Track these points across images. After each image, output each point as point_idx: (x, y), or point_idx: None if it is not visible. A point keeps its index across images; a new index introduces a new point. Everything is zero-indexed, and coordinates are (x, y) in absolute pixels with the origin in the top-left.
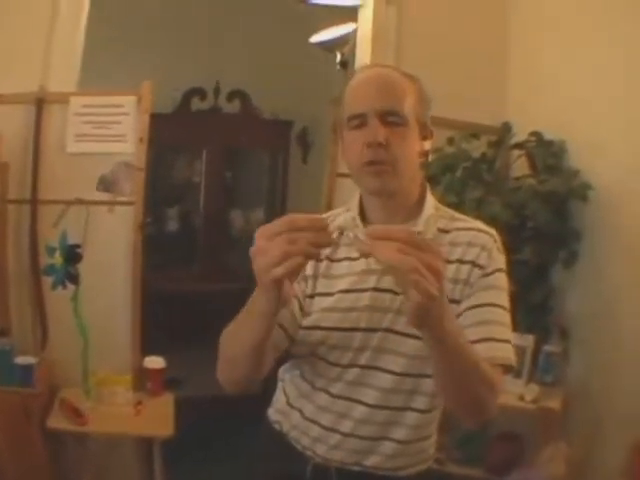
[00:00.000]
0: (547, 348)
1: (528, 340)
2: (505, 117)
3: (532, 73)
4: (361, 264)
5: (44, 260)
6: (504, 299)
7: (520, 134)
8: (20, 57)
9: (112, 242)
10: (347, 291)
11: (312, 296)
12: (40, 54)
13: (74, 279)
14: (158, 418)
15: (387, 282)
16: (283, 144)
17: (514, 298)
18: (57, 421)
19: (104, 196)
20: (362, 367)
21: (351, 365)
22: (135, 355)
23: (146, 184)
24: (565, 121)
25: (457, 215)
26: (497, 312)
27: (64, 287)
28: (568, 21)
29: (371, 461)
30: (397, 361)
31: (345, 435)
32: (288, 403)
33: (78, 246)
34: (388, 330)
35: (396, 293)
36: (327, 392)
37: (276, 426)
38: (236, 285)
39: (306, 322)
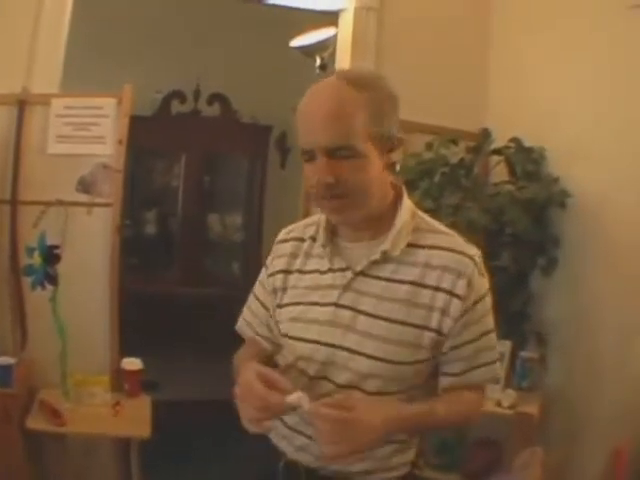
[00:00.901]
0: (524, 354)
1: (505, 346)
2: (484, 123)
3: (512, 79)
4: (328, 278)
5: (24, 260)
6: (489, 322)
7: (499, 140)
8: (3, 58)
9: (91, 243)
10: (313, 304)
11: (281, 306)
12: (23, 55)
13: (53, 280)
14: (136, 419)
15: (348, 299)
16: (262, 149)
17: (494, 304)
18: (36, 422)
19: (83, 197)
20: (317, 378)
21: (317, 377)
22: (113, 356)
23: (124, 186)
24: (545, 128)
25: (437, 227)
26: (484, 340)
27: (43, 288)
28: (550, 27)
29: (334, 466)
30: (347, 376)
31: (308, 438)
32: None
33: (57, 247)
34: (343, 348)
35: (357, 311)
36: None
37: None
38: (213, 290)
39: (282, 330)
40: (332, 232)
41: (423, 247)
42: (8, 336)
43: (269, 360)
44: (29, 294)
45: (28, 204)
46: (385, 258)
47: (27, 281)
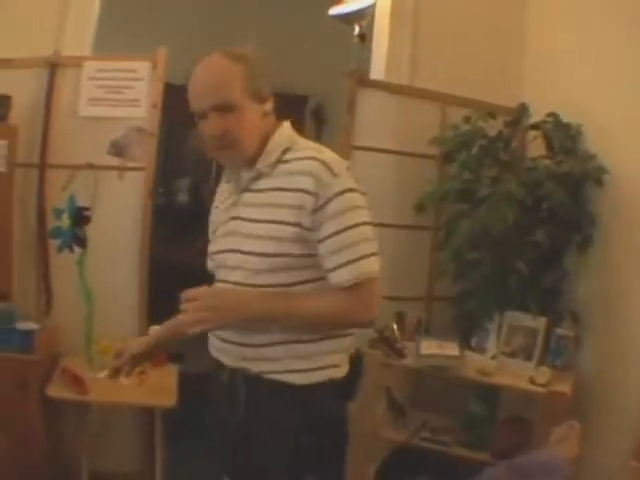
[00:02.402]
0: (559, 331)
1: (540, 322)
2: (522, 98)
3: (550, 55)
4: (232, 199)
5: (51, 224)
6: (351, 219)
7: (537, 115)
8: (35, 22)
9: (122, 208)
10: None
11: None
12: (55, 18)
13: (81, 242)
14: (161, 388)
15: (238, 211)
16: (297, 119)
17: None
18: (57, 389)
19: (115, 161)
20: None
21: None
22: (140, 324)
23: (158, 151)
24: (582, 105)
25: (307, 145)
26: (350, 234)
27: (71, 250)
28: (587, 2)
29: (257, 368)
30: (244, 275)
31: (223, 341)
32: None
33: (87, 209)
34: (235, 250)
35: (241, 219)
36: None
37: None
38: None
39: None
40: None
41: (289, 161)
42: (32, 301)
43: None
44: (55, 258)
45: (57, 167)
46: (259, 174)
47: (54, 244)
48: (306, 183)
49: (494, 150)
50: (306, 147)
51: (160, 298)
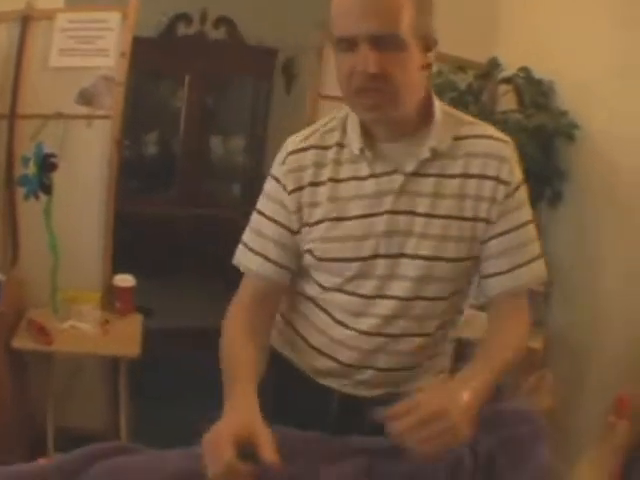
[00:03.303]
0: None
1: None
2: (494, 52)
3: (523, 9)
4: (371, 184)
5: (19, 173)
6: (528, 212)
7: (509, 70)
8: None
9: (88, 156)
10: (360, 216)
11: (312, 224)
12: None
13: (47, 189)
14: (125, 338)
15: (404, 203)
16: (267, 72)
17: None
18: (22, 341)
19: (83, 110)
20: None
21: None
22: (105, 273)
23: (126, 101)
24: (554, 61)
25: (467, 118)
26: (526, 231)
27: (36, 198)
28: None
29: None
30: (407, 286)
31: (335, 361)
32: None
33: (53, 155)
34: (404, 255)
35: (415, 214)
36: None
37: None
38: (213, 211)
39: (317, 252)
40: (366, 136)
41: (463, 138)
42: None
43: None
44: (22, 207)
45: (27, 118)
46: (434, 155)
47: (21, 193)
48: (498, 169)
49: (464, 103)
50: (468, 120)
51: (126, 251)
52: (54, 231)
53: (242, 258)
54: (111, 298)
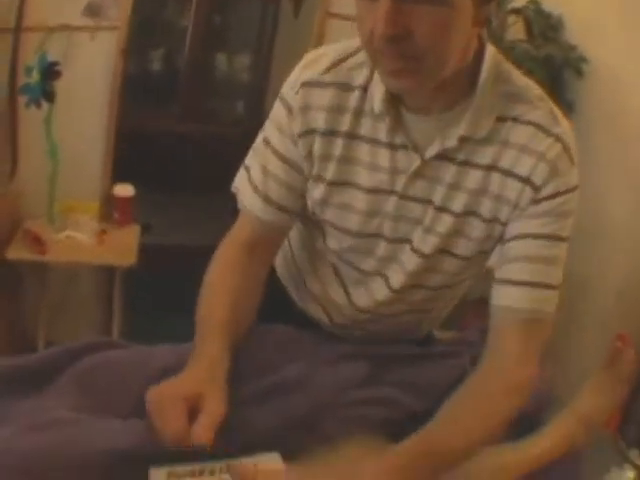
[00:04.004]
0: None
1: None
2: None
3: None
4: (387, 156)
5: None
6: (566, 229)
7: (518, 2)
8: None
9: (93, 67)
10: (371, 190)
11: (319, 180)
12: None
13: (49, 96)
14: (122, 248)
15: (418, 189)
16: None
17: None
18: (17, 252)
19: (89, 21)
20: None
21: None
22: (104, 183)
23: (132, 11)
24: None
25: (525, 93)
26: (555, 248)
27: (38, 106)
28: None
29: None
30: (403, 277)
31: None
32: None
33: (57, 63)
34: (407, 242)
35: (427, 203)
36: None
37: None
38: (215, 128)
39: (316, 211)
40: (391, 96)
41: (506, 120)
42: None
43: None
44: (23, 116)
45: (32, 30)
46: (467, 138)
47: (22, 103)
48: (532, 168)
49: None
50: (528, 97)
51: (125, 166)
52: (54, 138)
53: (241, 190)
54: (110, 209)
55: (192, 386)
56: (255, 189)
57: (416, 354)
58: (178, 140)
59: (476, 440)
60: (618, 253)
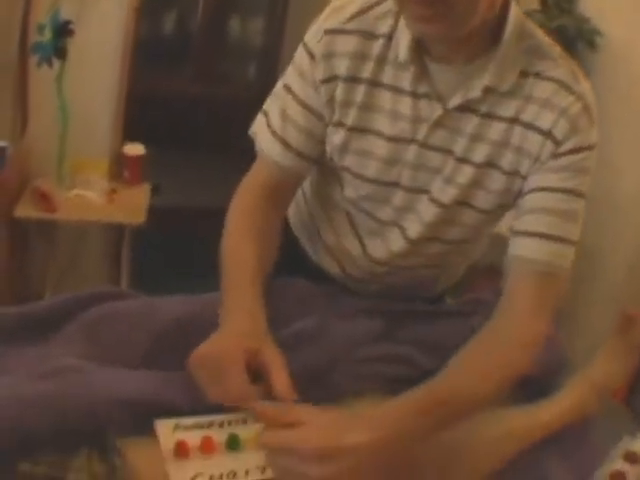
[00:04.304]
0: None
1: None
2: None
3: None
4: (409, 104)
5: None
6: (585, 184)
7: None
8: None
9: (106, 26)
10: (392, 139)
11: (338, 125)
12: None
13: (61, 53)
14: (131, 206)
15: (438, 139)
16: None
17: None
18: (25, 210)
19: None
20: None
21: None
22: (115, 141)
23: None
24: None
25: (548, 50)
26: (571, 202)
27: (50, 65)
28: None
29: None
30: (421, 227)
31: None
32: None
33: (70, 22)
34: (426, 192)
35: (448, 153)
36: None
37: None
38: (227, 90)
39: (334, 157)
40: (417, 45)
41: (528, 75)
42: (8, 122)
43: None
44: (34, 75)
45: None
46: (491, 90)
47: (34, 61)
48: (554, 123)
49: None
50: (551, 54)
51: (136, 127)
52: (65, 97)
53: (259, 135)
54: (120, 168)
55: (249, 342)
56: (274, 134)
57: (430, 311)
58: (190, 102)
59: (483, 393)
60: (630, 227)
